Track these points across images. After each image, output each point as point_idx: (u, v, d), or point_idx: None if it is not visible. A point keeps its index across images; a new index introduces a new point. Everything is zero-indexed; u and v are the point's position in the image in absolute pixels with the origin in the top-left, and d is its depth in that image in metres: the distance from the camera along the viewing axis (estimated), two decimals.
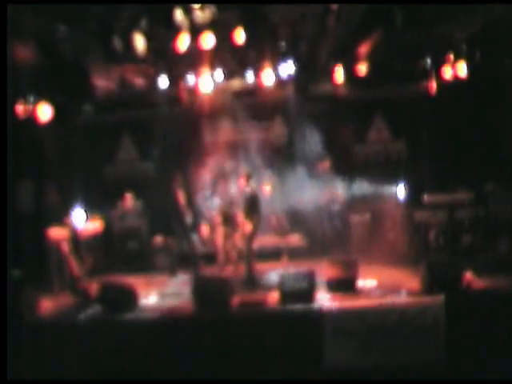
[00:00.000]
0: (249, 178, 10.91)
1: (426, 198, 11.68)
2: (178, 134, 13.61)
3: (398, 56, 11.55)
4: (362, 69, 11.43)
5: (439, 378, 8.12)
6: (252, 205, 10.60)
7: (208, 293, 8.77)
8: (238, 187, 11.07)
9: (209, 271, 11.08)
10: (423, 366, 8.20)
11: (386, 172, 12.88)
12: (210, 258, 12.11)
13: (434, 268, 8.79)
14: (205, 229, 12.50)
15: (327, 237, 12.06)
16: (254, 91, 12.94)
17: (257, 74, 11.56)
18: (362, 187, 12.55)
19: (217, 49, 9.90)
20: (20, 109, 11.30)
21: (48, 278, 10.61)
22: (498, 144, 12.20)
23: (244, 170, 11.52)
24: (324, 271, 9.44)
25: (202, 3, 8.77)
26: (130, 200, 12.92)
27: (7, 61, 7.96)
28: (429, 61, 11.64)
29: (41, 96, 11.28)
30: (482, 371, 8.02)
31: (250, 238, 10.49)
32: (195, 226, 12.03)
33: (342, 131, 13.61)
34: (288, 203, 12.83)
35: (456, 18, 10.18)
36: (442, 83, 12.15)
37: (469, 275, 9.13)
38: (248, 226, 10.41)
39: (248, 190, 10.86)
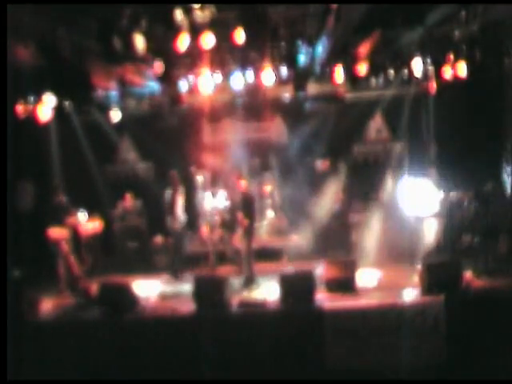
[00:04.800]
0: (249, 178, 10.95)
1: (426, 197, 11.67)
2: (177, 133, 13.63)
3: (397, 56, 11.55)
4: (362, 69, 11.42)
5: (439, 378, 8.12)
6: (251, 205, 10.60)
7: (208, 293, 8.77)
8: (237, 188, 11.06)
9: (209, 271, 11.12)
10: (423, 366, 8.20)
11: (386, 172, 12.88)
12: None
13: (433, 268, 8.79)
14: (204, 229, 12.53)
15: (327, 237, 12.05)
16: (254, 91, 12.94)
17: (257, 74, 11.55)
18: (362, 187, 12.55)
19: (217, 49, 9.90)
20: (20, 109, 11.31)
21: (48, 277, 10.62)
22: (498, 144, 12.21)
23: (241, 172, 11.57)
24: (324, 271, 9.45)
25: (202, 3, 8.77)
26: (129, 200, 12.93)
27: (7, 61, 7.95)
28: (429, 61, 11.63)
29: (41, 96, 11.29)
30: (481, 371, 8.02)
31: (250, 238, 10.49)
32: (195, 226, 12.05)
33: (342, 131, 13.61)
34: (288, 203, 12.85)
35: (456, 18, 10.19)
36: (442, 83, 12.15)
37: (469, 275, 9.13)
38: (247, 226, 10.41)
39: (247, 190, 10.88)
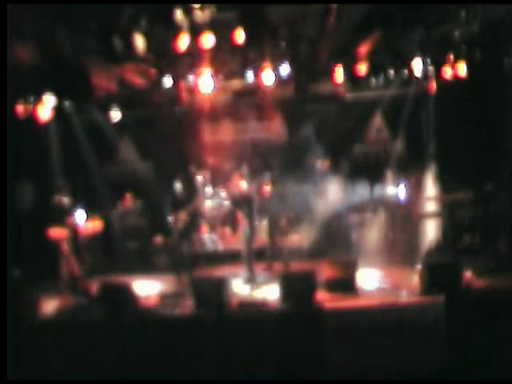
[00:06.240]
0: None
1: (426, 197, 11.68)
2: (177, 133, 13.63)
3: (397, 56, 11.55)
4: (362, 69, 11.42)
5: (439, 378, 8.11)
6: (250, 205, 10.60)
7: (208, 293, 8.76)
8: (237, 188, 11.06)
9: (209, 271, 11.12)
10: (423, 366, 8.20)
11: (386, 172, 12.87)
12: (210, 258, 12.18)
13: (433, 268, 8.78)
14: (205, 229, 12.53)
15: (327, 237, 12.05)
16: (254, 91, 12.95)
17: (257, 74, 11.55)
18: (362, 187, 12.54)
19: (217, 49, 9.90)
20: (20, 109, 11.31)
21: (48, 277, 10.61)
22: (498, 144, 12.19)
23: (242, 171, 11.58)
24: (324, 271, 9.45)
25: (202, 3, 8.76)
26: (129, 200, 12.93)
27: (7, 61, 7.95)
28: (429, 61, 11.63)
29: (41, 96, 11.28)
30: (482, 371, 8.01)
31: (250, 237, 10.48)
32: (195, 226, 12.04)
33: (342, 131, 13.62)
34: (288, 203, 12.83)
35: (456, 18, 10.19)
36: (442, 83, 12.16)
37: (469, 275, 9.13)
38: (247, 226, 10.41)
39: (247, 190, 10.88)
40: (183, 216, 10.35)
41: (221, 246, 12.37)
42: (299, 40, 10.80)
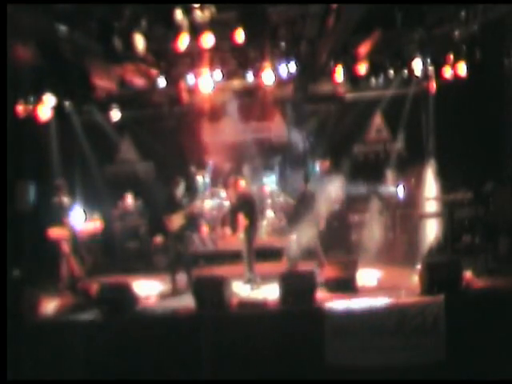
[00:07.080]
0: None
1: (426, 197, 11.68)
2: (177, 133, 13.64)
3: (397, 56, 11.56)
4: (362, 69, 11.43)
5: (439, 378, 8.11)
6: (251, 205, 10.59)
7: (208, 293, 8.76)
8: (237, 188, 11.04)
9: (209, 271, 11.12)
10: (423, 366, 8.20)
11: (386, 172, 12.87)
12: (210, 257, 12.18)
13: (433, 268, 8.78)
14: (205, 229, 12.54)
15: (327, 237, 12.03)
16: (254, 91, 12.95)
17: (257, 74, 11.55)
18: (362, 187, 12.55)
19: (217, 49, 9.90)
20: (20, 109, 11.32)
21: (48, 277, 10.61)
22: (498, 144, 12.20)
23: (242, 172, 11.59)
24: (324, 271, 9.45)
25: (202, 3, 8.76)
26: (130, 200, 12.94)
27: (7, 61, 7.95)
28: (429, 61, 11.63)
29: (41, 96, 11.29)
30: (482, 371, 8.01)
31: (250, 238, 10.47)
32: (195, 226, 12.05)
33: (342, 131, 13.62)
34: (288, 203, 12.84)
35: (456, 18, 10.19)
36: (441, 83, 12.16)
37: (469, 275, 9.13)
38: (247, 226, 10.40)
39: (247, 190, 10.88)
40: (180, 217, 10.33)
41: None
42: (299, 40, 10.80)
